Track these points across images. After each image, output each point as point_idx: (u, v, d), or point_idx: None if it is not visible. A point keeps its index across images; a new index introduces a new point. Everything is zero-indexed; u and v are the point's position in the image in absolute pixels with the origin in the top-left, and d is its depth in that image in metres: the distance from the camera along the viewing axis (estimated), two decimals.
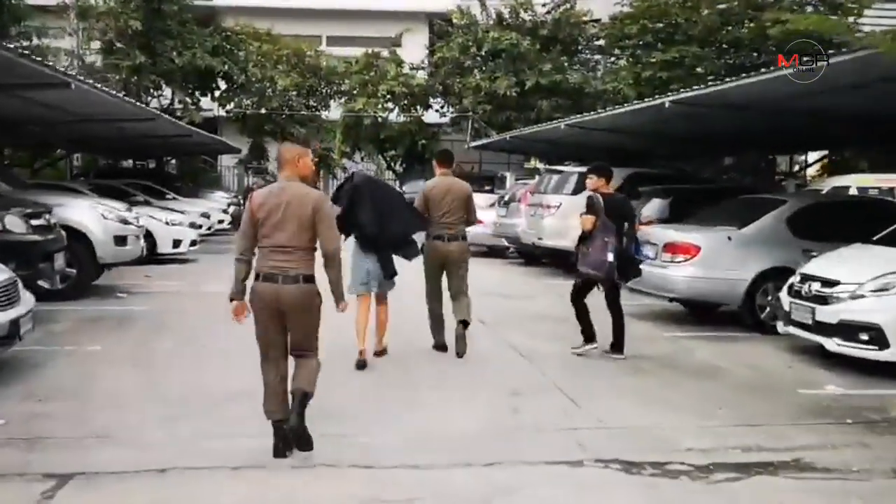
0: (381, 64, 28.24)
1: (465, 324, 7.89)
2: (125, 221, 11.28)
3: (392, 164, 30.01)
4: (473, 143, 25.01)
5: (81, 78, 12.41)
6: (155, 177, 24.85)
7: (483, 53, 26.77)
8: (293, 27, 29.86)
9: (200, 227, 20.39)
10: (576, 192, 14.48)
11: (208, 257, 17.00)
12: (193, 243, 16.23)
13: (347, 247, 6.74)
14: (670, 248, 9.68)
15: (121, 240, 11.08)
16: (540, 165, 26.77)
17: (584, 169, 15.00)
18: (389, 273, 7.56)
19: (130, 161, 29.14)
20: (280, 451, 5.06)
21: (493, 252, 18.30)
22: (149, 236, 15.19)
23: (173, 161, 31.31)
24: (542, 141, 20.23)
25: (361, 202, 7.24)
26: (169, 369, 7.46)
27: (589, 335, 8.11)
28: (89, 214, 10.79)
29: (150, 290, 11.88)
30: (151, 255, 15.37)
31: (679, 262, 9.55)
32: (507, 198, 17.56)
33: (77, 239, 10.65)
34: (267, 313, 5.13)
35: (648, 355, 8.27)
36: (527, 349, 8.45)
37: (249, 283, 5.26)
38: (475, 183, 27.83)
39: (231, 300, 5.29)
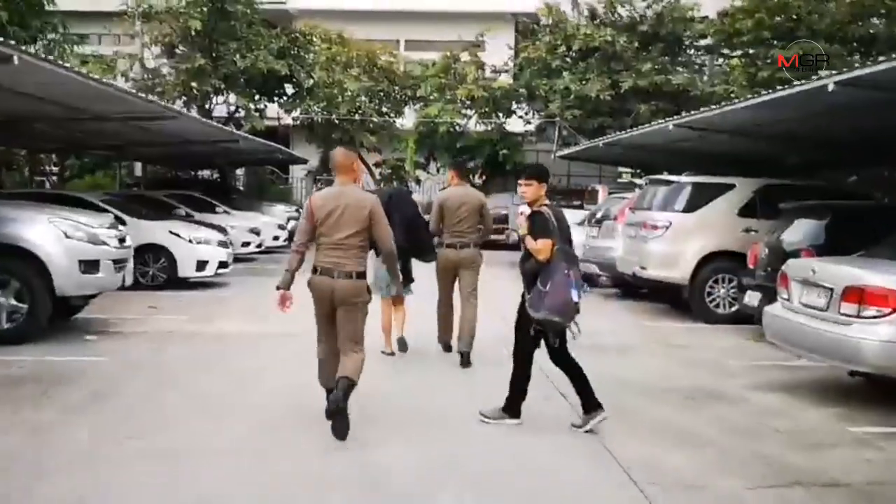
0: (460, 67, 25.31)
1: (465, 357, 8.05)
2: (98, 241, 8.52)
3: (470, 176, 26.97)
4: (561, 153, 21.76)
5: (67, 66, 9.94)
6: (212, 188, 22.62)
7: (573, 53, 23.56)
8: (369, 31, 27.26)
9: (248, 244, 17.93)
10: (690, 208, 11.17)
11: (245, 281, 14.32)
12: (223, 265, 13.52)
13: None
14: (854, 294, 6.26)
15: (90, 265, 8.35)
16: (637, 180, 23.35)
17: (702, 179, 11.78)
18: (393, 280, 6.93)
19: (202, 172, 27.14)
20: (332, 413, 5.31)
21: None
22: (169, 257, 12.73)
23: (239, 173, 29.19)
24: (642, 148, 16.86)
25: None
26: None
27: (592, 404, 5.89)
28: (44, 232, 8.08)
29: (134, 331, 9.14)
30: (171, 280, 12.83)
31: (871, 316, 6.13)
32: (599, 215, 14.25)
33: (29, 264, 7.98)
34: (320, 302, 5.55)
35: (842, 475, 4.94)
36: (657, 475, 4.96)
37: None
38: (563, 197, 24.78)
39: (277, 289, 5.59)
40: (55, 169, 23.55)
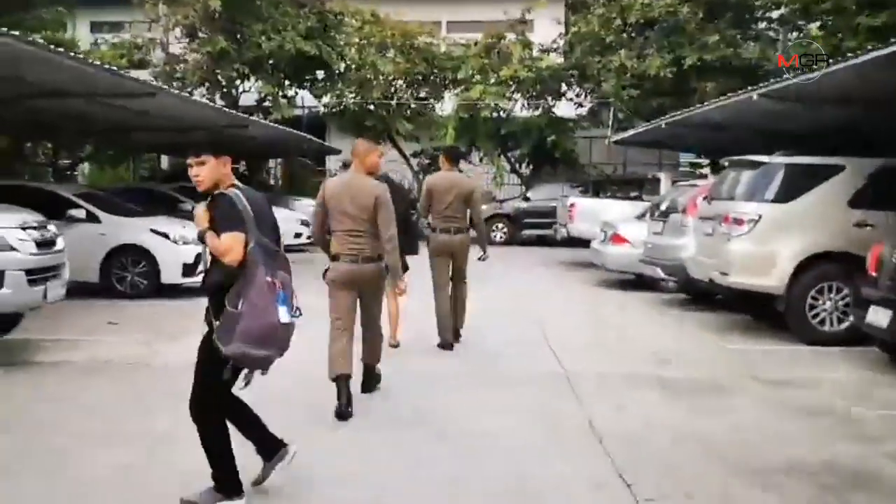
0: (505, 46, 22.84)
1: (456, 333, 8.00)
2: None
3: (516, 165, 24.49)
4: (616, 137, 19.17)
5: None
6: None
7: (630, 27, 20.92)
8: (410, 12, 24.88)
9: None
10: (785, 197, 8.63)
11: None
12: None
13: None
14: None
15: None
16: (703, 169, 20.76)
17: (801, 159, 9.18)
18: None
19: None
20: (342, 412, 5.44)
21: (641, 282, 12.53)
22: (150, 260, 10.67)
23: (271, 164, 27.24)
24: (714, 128, 14.23)
25: None
26: None
27: (275, 442, 4.28)
28: None
29: (60, 359, 7.06)
30: (153, 287, 10.77)
31: None
32: (663, 207, 11.72)
33: None
34: (344, 288, 5.67)
35: None
36: None
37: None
38: (618, 188, 22.17)
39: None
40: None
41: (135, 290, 10.78)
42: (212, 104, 12.84)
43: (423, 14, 24.80)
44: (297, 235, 17.01)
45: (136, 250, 10.81)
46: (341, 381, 5.56)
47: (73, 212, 10.67)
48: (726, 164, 10.04)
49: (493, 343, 8.30)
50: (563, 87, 22.93)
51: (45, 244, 6.95)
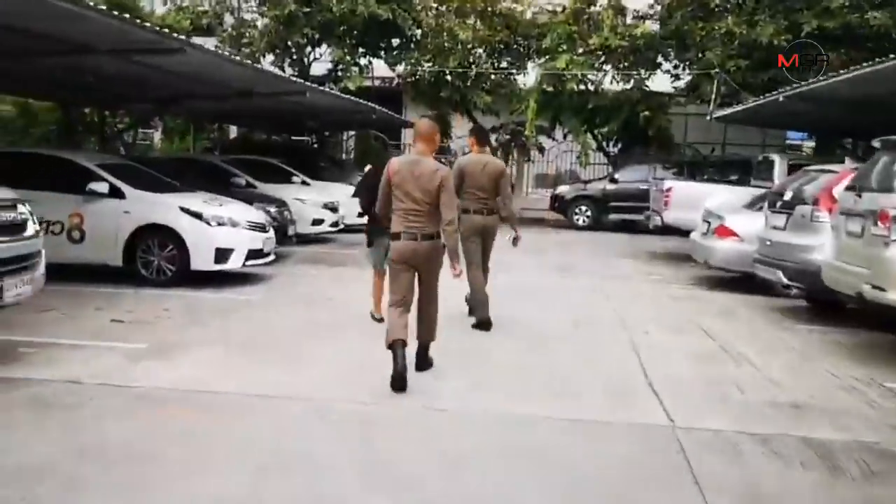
0: (595, 12, 20.57)
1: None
2: None
3: (604, 143, 22.25)
4: (720, 113, 16.79)
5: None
6: (303, 155, 19.16)
7: None
8: None
9: (321, 221, 14.30)
10: None
11: (294, 275, 10.73)
12: (257, 254, 9.83)
13: None
14: None
15: None
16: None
17: None
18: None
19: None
20: (398, 382, 5.50)
21: (748, 282, 10.38)
22: (179, 243, 9.18)
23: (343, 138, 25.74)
24: (845, 105, 11.87)
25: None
26: None
27: None
28: None
29: (22, 376, 5.47)
30: (181, 273, 9.29)
31: None
32: (787, 197, 9.51)
33: None
34: (404, 266, 5.75)
35: None
36: None
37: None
38: (716, 170, 19.76)
39: (369, 245, 6.94)
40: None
41: (161, 276, 9.30)
42: (257, 67, 11.25)
43: None
44: (361, 215, 15.14)
45: (163, 231, 9.31)
46: (397, 346, 5.64)
47: (95, 185, 9.25)
48: (877, 145, 7.80)
49: (570, 367, 6.43)
50: (659, 58, 20.51)
51: (2, 229, 5.41)
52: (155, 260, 9.31)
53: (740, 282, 10.80)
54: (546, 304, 9.48)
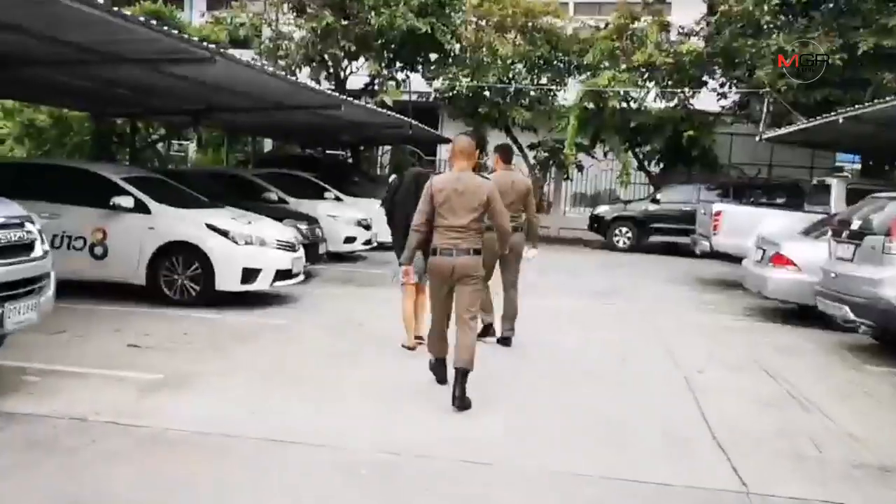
0: (640, 29, 19.92)
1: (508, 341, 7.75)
2: None
3: (645, 162, 21.50)
4: (771, 134, 16.03)
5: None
6: (336, 170, 18.77)
7: (789, 6, 17.60)
8: None
9: (353, 239, 13.80)
10: None
11: (324, 296, 10.21)
12: (285, 275, 9.33)
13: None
14: None
15: None
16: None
17: None
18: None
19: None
20: (443, 380, 5.97)
21: (807, 316, 9.64)
22: (204, 261, 8.71)
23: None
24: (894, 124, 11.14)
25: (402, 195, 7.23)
26: None
27: None
28: None
29: (21, 411, 4.98)
30: (206, 294, 8.82)
31: None
32: (854, 226, 8.76)
33: None
34: (441, 280, 5.84)
35: None
36: None
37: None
38: (762, 192, 18.94)
39: (401, 265, 6.17)
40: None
41: (184, 296, 8.82)
42: (290, 79, 10.79)
43: None
44: (349, 240, 13.86)
45: (188, 249, 8.84)
46: (439, 363, 6.02)
47: (119, 199, 8.82)
48: None
49: (619, 411, 5.79)
50: (705, 77, 19.78)
51: (6, 250, 4.93)
52: (179, 279, 8.85)
53: (797, 314, 10.07)
54: (588, 333, 8.85)
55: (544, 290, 11.97)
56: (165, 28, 7.44)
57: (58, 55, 8.23)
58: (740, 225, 12.60)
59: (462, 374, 5.60)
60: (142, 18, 7.23)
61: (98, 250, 8.83)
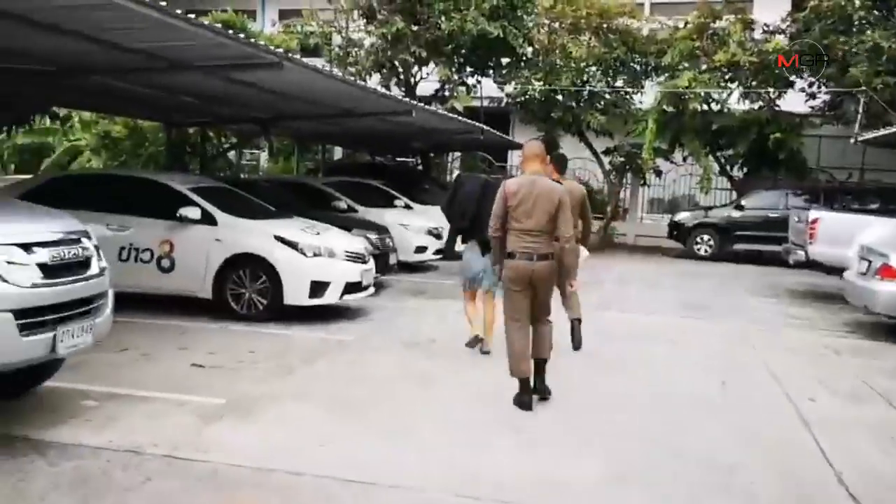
0: (721, 28, 18.94)
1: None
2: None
3: (727, 166, 20.44)
4: (867, 136, 14.92)
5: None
6: (406, 177, 18.39)
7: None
8: None
9: (424, 249, 13.33)
10: None
11: (395, 309, 9.77)
12: (355, 288, 8.89)
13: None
14: None
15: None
16: None
17: None
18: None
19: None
20: (527, 404, 5.68)
21: None
22: (272, 274, 8.35)
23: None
24: None
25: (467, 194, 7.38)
26: None
27: None
28: None
29: (63, 441, 4.60)
30: (274, 308, 8.45)
31: None
32: None
33: None
34: (521, 285, 5.79)
35: None
36: None
37: None
38: (853, 197, 17.73)
39: (494, 265, 6.19)
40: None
41: (251, 310, 8.46)
42: (359, 84, 10.37)
43: None
44: (420, 250, 13.31)
45: (255, 261, 8.48)
46: (523, 382, 5.80)
47: (186, 210, 8.53)
48: None
49: (729, 450, 5.10)
50: (793, 77, 18.66)
51: (61, 269, 4.57)
52: (246, 293, 8.49)
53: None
54: (680, 352, 8.15)
55: (626, 303, 11.29)
56: (231, 32, 7.09)
57: (123, 63, 7.96)
58: (839, 233, 11.65)
59: (541, 364, 5.87)
60: (208, 23, 6.88)
61: (165, 263, 8.55)
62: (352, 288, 8.83)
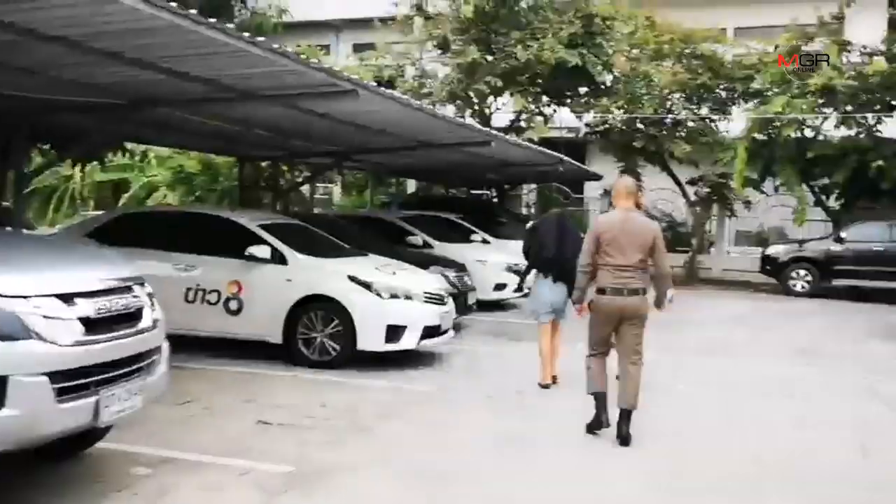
0: (815, 51, 17.71)
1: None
2: (20, 328, 3.46)
3: (824, 196, 19.03)
4: None
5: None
6: (481, 211, 17.66)
7: None
8: (687, 19, 20.58)
9: (503, 286, 12.51)
10: None
11: (475, 355, 8.96)
12: (434, 331, 8.16)
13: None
14: None
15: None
16: None
17: None
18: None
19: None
20: (601, 423, 5.77)
21: None
22: (345, 318, 7.70)
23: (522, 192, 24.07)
24: None
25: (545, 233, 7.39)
26: None
27: None
28: None
29: None
30: (346, 353, 7.78)
31: None
32: None
33: None
34: (608, 319, 5.79)
35: None
36: None
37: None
38: None
39: (574, 303, 6.13)
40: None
41: (323, 356, 7.79)
42: (435, 112, 9.73)
43: (703, 19, 20.28)
44: (499, 287, 12.49)
45: (328, 303, 7.83)
46: (600, 396, 5.81)
47: (255, 249, 7.95)
48: None
49: None
50: None
51: (108, 322, 3.95)
52: (318, 337, 7.83)
53: None
54: (804, 408, 7.08)
55: (731, 348, 10.24)
56: (303, 56, 6.52)
57: (189, 92, 7.49)
58: None
59: (628, 414, 5.67)
60: (278, 47, 6.31)
61: (233, 305, 7.97)
62: (430, 332, 8.09)
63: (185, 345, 8.09)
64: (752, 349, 10.16)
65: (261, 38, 5.86)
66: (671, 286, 6.00)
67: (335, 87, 7.17)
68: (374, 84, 8.46)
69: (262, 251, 7.95)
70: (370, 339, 7.73)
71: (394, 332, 7.78)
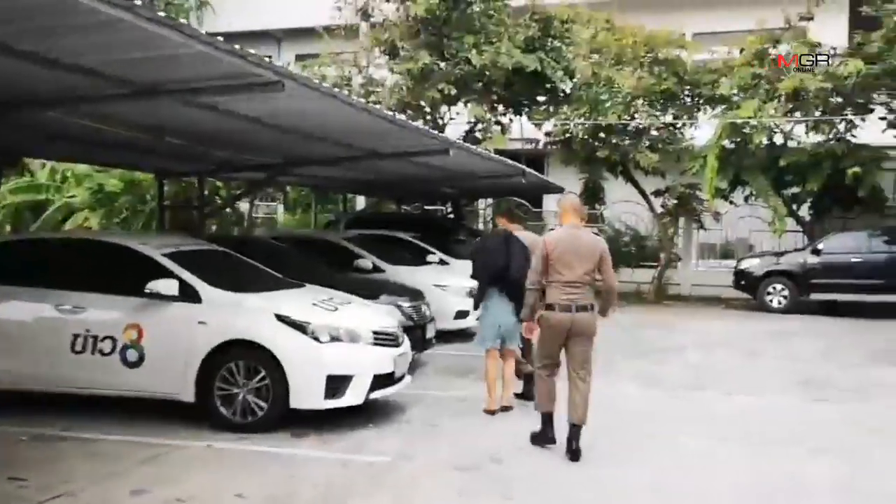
0: (785, 52, 16.62)
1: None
2: None
3: (795, 206, 17.93)
4: None
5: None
6: (436, 228, 16.13)
7: None
8: (646, 20, 19.37)
9: (465, 314, 10.98)
10: None
11: (431, 404, 7.38)
12: (387, 380, 6.59)
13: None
14: None
15: None
16: None
17: None
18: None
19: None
20: (548, 439, 5.87)
21: None
22: (273, 369, 6.05)
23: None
24: None
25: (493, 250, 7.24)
26: None
27: None
28: None
29: None
30: (275, 414, 6.10)
31: None
32: None
33: None
34: (557, 335, 5.80)
35: None
36: None
37: None
38: None
39: (521, 321, 6.16)
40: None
41: (247, 417, 6.14)
42: (383, 113, 8.09)
43: (663, 24, 19.10)
44: (461, 315, 10.81)
45: (252, 350, 6.18)
46: (547, 417, 5.88)
47: (159, 284, 6.27)
48: None
49: None
50: (871, 103, 16.28)
51: None
52: (240, 393, 6.17)
53: None
54: (839, 470, 5.66)
55: (723, 380, 8.89)
56: (218, 38, 4.92)
57: (68, 88, 5.81)
58: None
59: (578, 429, 5.64)
60: (176, 18, 4.69)
61: (131, 354, 6.26)
62: (382, 381, 6.48)
63: (69, 406, 6.46)
64: (749, 381, 8.77)
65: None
66: (616, 300, 6.12)
67: (256, 77, 5.58)
68: (306, 76, 6.86)
69: (167, 286, 6.25)
70: (306, 394, 6.10)
71: (336, 385, 6.15)
